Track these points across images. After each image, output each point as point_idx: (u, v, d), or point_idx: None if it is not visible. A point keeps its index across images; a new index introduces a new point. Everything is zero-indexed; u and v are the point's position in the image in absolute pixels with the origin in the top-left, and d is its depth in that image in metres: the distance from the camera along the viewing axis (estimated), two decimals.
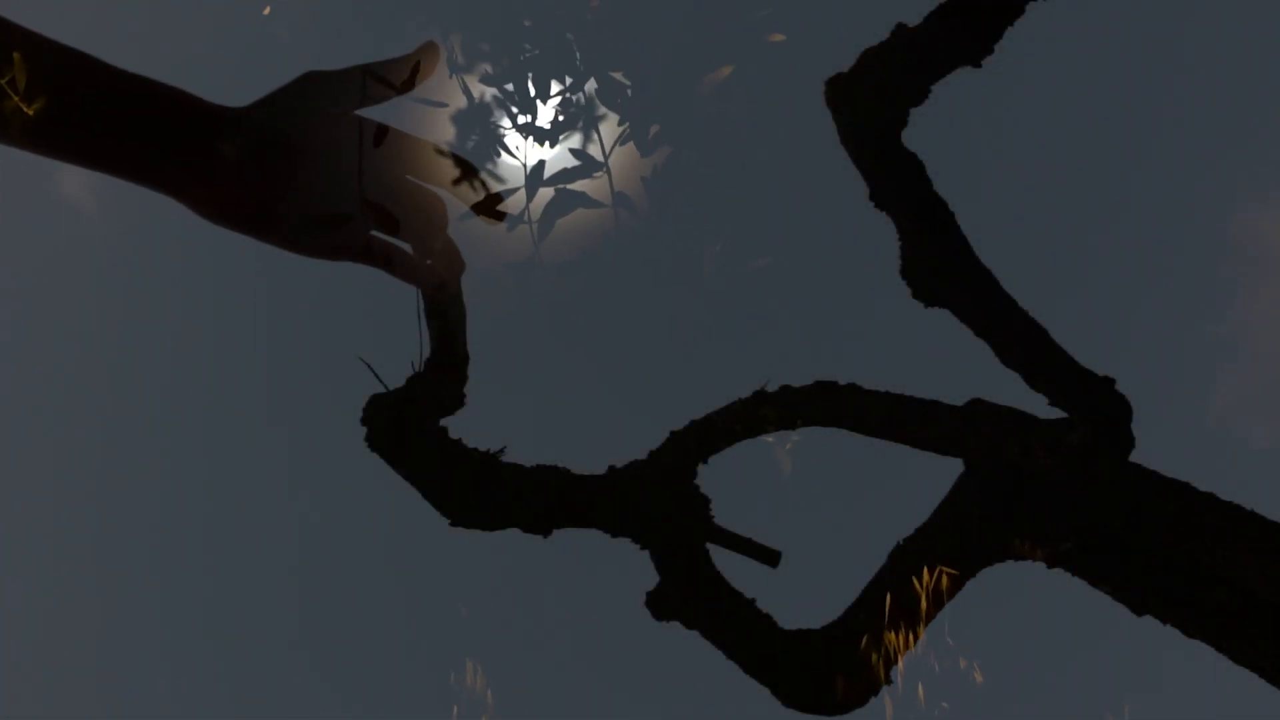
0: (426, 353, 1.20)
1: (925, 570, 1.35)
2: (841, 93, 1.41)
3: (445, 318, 1.18)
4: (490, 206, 1.05)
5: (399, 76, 0.95)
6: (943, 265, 1.45)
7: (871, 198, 1.47)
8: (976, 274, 1.45)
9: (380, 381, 1.22)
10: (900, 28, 1.40)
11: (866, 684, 1.29)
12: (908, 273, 1.51)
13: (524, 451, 1.34)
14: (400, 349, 1.25)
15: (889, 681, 1.31)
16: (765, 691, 1.31)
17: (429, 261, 1.03)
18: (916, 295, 1.51)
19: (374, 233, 0.99)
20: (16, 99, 0.61)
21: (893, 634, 1.32)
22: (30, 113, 0.63)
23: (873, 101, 1.40)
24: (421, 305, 1.26)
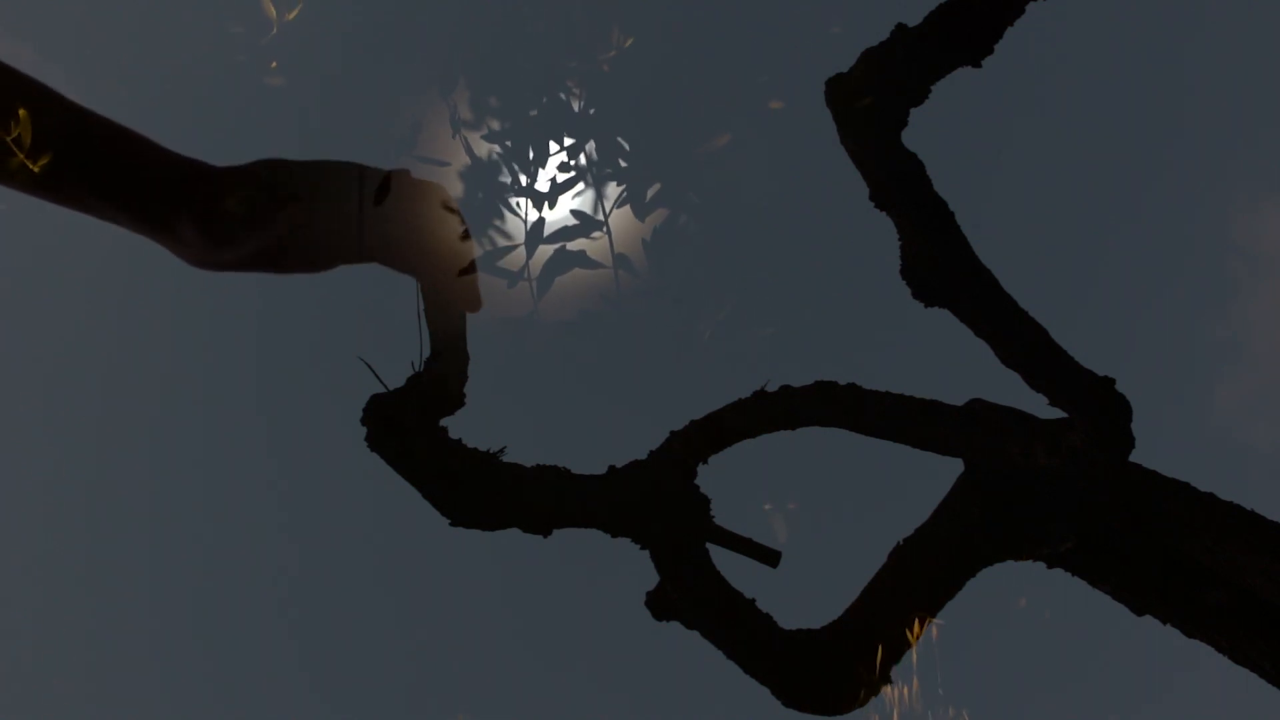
0: (426, 353, 1.20)
1: (918, 624, 1.35)
2: (842, 93, 1.42)
3: (446, 319, 1.19)
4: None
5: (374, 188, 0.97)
6: (943, 265, 1.45)
7: (872, 198, 1.48)
8: (976, 274, 1.45)
9: (380, 382, 1.23)
10: (900, 28, 1.40)
11: (866, 684, 1.29)
12: (908, 273, 1.51)
13: (524, 451, 1.34)
14: (400, 349, 1.26)
15: (889, 681, 1.31)
16: (765, 691, 1.31)
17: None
18: (916, 295, 1.51)
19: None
20: (21, 155, 0.62)
21: (892, 635, 1.32)
22: (35, 169, 0.64)
23: (873, 102, 1.41)
24: (421, 305, 1.26)
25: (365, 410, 1.25)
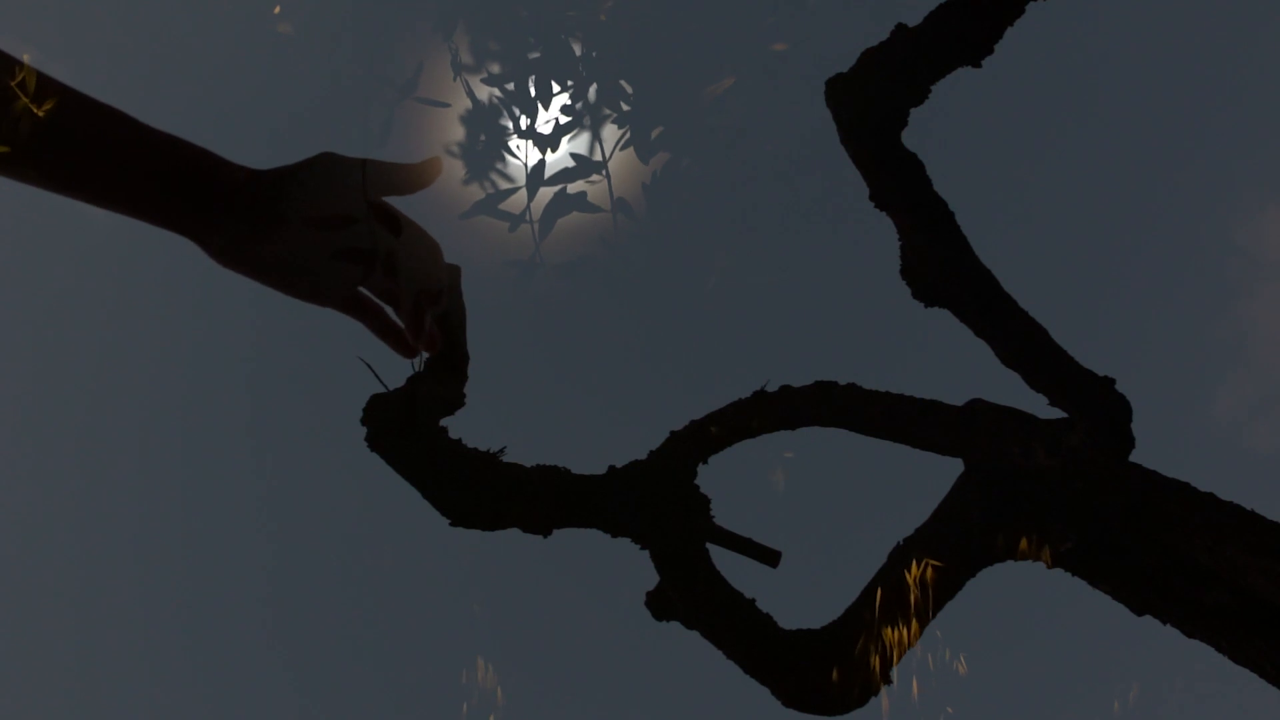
0: (426, 353, 1.20)
1: (914, 564, 1.35)
2: (842, 93, 1.42)
3: (446, 318, 1.18)
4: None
5: (403, 180, 0.96)
6: (943, 265, 1.45)
7: (872, 198, 1.47)
8: (976, 274, 1.45)
9: (380, 382, 1.22)
10: (900, 28, 1.40)
11: (866, 684, 1.29)
12: (908, 273, 1.51)
13: (524, 452, 1.34)
14: None
15: (889, 681, 1.31)
16: (765, 691, 1.31)
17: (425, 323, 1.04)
18: (916, 295, 1.51)
19: (365, 291, 1.01)
20: (25, 99, 0.61)
21: (892, 634, 1.32)
22: (40, 114, 0.63)
23: (873, 102, 1.40)
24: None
25: (365, 410, 1.25)
